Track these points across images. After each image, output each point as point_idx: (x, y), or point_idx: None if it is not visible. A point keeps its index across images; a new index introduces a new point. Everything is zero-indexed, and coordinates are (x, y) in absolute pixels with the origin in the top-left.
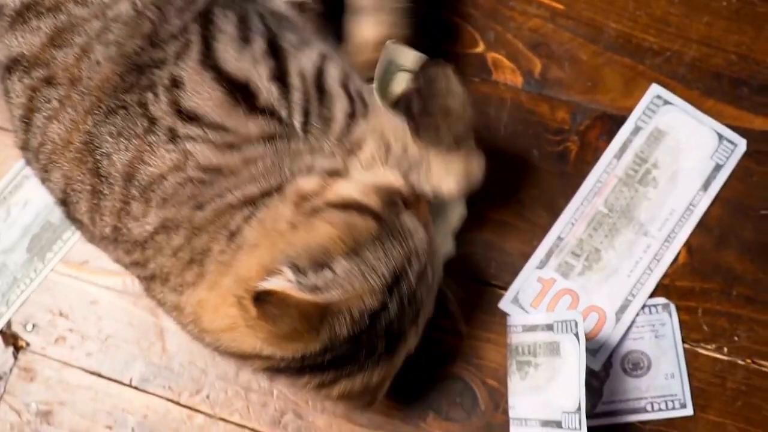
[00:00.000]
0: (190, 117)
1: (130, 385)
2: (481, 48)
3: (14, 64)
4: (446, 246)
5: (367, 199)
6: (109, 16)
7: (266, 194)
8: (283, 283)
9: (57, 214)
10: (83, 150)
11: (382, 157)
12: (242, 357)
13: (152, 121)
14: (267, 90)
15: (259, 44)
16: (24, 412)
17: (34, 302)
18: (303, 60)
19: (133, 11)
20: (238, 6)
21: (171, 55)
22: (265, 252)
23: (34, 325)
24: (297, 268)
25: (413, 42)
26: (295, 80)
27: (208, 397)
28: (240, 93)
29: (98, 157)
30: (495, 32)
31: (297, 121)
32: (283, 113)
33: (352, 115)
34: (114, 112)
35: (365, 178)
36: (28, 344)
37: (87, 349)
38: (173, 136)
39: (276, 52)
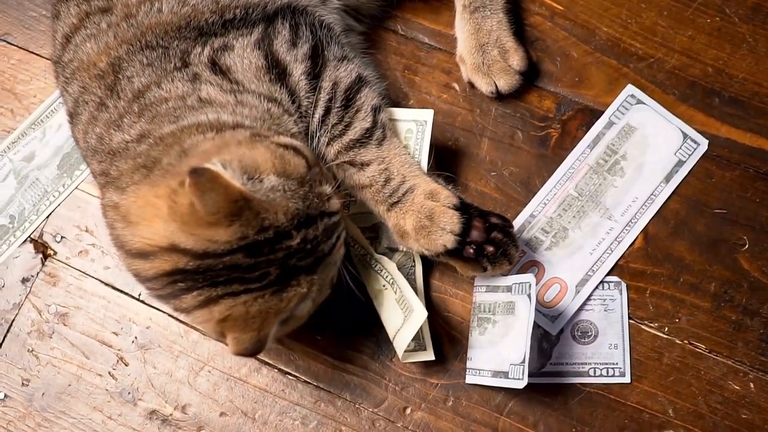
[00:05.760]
0: (220, 70)
1: (138, 299)
2: None
3: None
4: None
5: (305, 151)
6: None
7: (237, 126)
8: (218, 167)
9: None
10: (107, 70)
11: (380, 183)
12: (150, 255)
13: (185, 64)
14: (297, 80)
15: (303, 49)
16: (44, 311)
17: (65, 217)
18: (341, 71)
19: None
20: (293, 18)
21: (232, 35)
22: (210, 158)
23: (62, 237)
24: (226, 166)
25: None
26: (326, 84)
27: None
28: (277, 69)
29: (120, 77)
30: None
31: (317, 114)
32: (305, 103)
33: (369, 136)
34: (152, 48)
35: None
36: (55, 253)
37: (105, 263)
38: (195, 79)
39: (316, 57)
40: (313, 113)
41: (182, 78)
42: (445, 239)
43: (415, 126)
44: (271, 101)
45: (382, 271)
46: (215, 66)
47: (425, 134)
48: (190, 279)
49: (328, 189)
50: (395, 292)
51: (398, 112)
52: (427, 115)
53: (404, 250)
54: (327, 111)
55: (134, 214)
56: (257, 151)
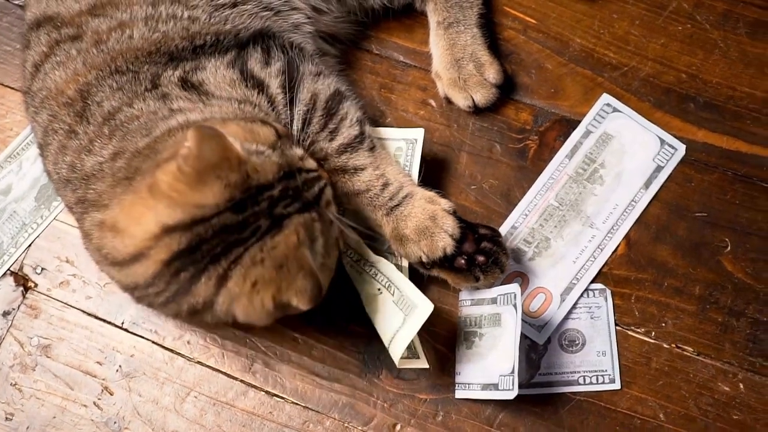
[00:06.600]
0: (192, 86)
1: (121, 327)
2: None
3: (46, 21)
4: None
5: (272, 122)
6: (163, 13)
7: (206, 120)
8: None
9: None
10: (76, 97)
11: (378, 188)
12: (144, 253)
13: (155, 86)
14: (274, 93)
15: (276, 66)
16: (27, 344)
17: (45, 249)
18: (319, 84)
19: (196, 26)
20: (264, 42)
21: (204, 58)
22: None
23: (42, 269)
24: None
25: None
26: (304, 95)
27: (188, 342)
28: (253, 80)
29: (89, 102)
30: None
31: (296, 126)
32: (283, 115)
33: (359, 141)
34: (122, 72)
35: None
36: (36, 285)
37: (87, 293)
38: (165, 98)
39: (291, 72)
40: (291, 125)
41: (153, 97)
42: (446, 242)
43: (405, 144)
44: (243, 103)
45: (377, 275)
46: (186, 83)
47: (415, 152)
48: (190, 262)
49: (299, 151)
50: (392, 294)
51: (388, 132)
52: (418, 133)
53: (393, 264)
54: (307, 122)
55: (122, 221)
56: (229, 128)
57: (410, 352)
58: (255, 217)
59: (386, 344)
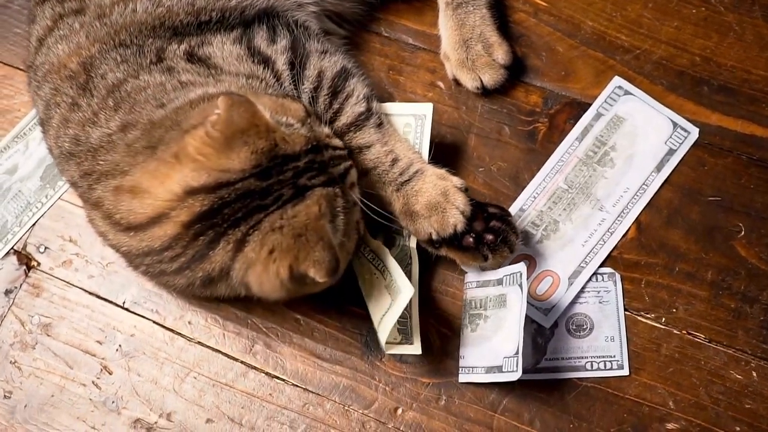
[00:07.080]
0: (198, 59)
1: (122, 307)
2: None
3: None
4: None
5: (299, 100)
6: None
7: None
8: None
9: None
10: (79, 70)
11: (387, 164)
12: (164, 214)
13: (160, 59)
14: (281, 69)
15: (282, 43)
16: (27, 322)
17: (49, 228)
18: (325, 62)
19: (202, 1)
20: (269, 21)
21: (209, 34)
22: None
23: (45, 248)
24: None
25: None
26: (310, 72)
27: (189, 322)
28: (260, 56)
29: (92, 75)
30: None
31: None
32: (290, 93)
33: (364, 119)
34: (127, 46)
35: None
36: (38, 264)
37: (89, 272)
38: (170, 71)
39: (297, 50)
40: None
41: (159, 71)
42: (457, 219)
43: (414, 120)
44: (251, 78)
45: (374, 259)
46: (192, 56)
47: (425, 128)
48: (211, 226)
49: (327, 130)
50: (385, 279)
51: (396, 107)
52: (427, 109)
53: (401, 245)
54: (313, 100)
55: (144, 183)
56: (261, 99)
57: (405, 337)
58: (279, 185)
59: (375, 327)
